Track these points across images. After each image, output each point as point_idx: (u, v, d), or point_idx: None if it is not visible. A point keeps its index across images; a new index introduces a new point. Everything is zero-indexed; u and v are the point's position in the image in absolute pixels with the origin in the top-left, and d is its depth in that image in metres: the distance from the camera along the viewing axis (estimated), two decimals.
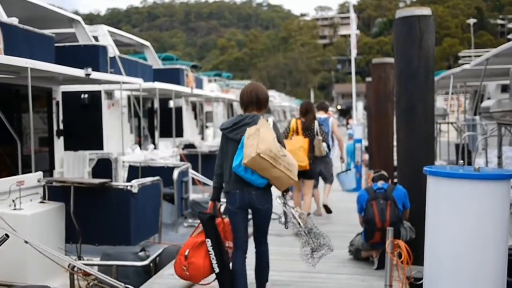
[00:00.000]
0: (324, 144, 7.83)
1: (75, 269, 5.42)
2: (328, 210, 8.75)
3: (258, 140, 4.09)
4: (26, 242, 4.95)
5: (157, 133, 12.49)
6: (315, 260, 4.78)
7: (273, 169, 4.12)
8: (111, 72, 10.25)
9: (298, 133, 7.75)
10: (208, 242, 4.44)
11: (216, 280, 4.49)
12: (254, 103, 4.39)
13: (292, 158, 4.33)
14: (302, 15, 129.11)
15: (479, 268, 2.81)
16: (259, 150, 4.02)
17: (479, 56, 11.79)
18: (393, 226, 5.26)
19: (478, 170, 2.87)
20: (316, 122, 7.84)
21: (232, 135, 4.33)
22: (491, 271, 2.82)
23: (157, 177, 7.40)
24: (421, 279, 3.20)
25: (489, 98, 12.99)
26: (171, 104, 13.40)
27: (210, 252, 4.42)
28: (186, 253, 4.54)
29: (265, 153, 4.04)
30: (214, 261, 4.41)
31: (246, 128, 4.23)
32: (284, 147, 4.36)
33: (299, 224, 4.67)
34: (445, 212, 2.90)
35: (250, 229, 4.62)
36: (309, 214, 7.04)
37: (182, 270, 4.60)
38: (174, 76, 14.25)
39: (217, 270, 4.41)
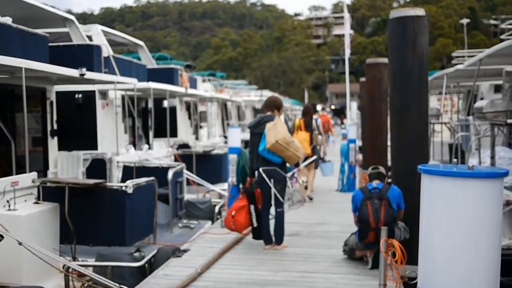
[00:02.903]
0: (320, 137, 10.40)
1: (70, 270, 5.42)
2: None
3: (276, 131, 6.15)
4: (20, 243, 4.94)
5: (151, 133, 12.46)
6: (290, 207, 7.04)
7: (286, 151, 6.21)
8: (105, 72, 10.21)
9: (301, 129, 10.16)
10: (252, 207, 6.52)
11: (251, 230, 6.67)
12: (272, 107, 6.63)
13: (298, 143, 6.57)
14: (296, 14, 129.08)
15: (472, 267, 2.84)
16: (277, 138, 6.12)
17: (472, 56, 11.84)
18: (387, 226, 5.29)
19: (471, 168, 2.89)
20: (314, 121, 10.37)
21: (256, 130, 6.46)
22: (484, 271, 2.84)
23: (152, 178, 7.39)
24: (415, 278, 3.22)
25: (482, 99, 13.04)
26: (165, 104, 13.36)
27: (252, 214, 6.50)
28: (233, 214, 6.54)
29: (281, 140, 6.15)
30: (254, 219, 6.53)
31: (266, 124, 6.30)
32: (292, 136, 6.53)
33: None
34: (439, 210, 2.92)
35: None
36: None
37: (230, 225, 6.64)
38: (168, 76, 14.21)
39: (255, 225, 6.55)
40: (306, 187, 10.15)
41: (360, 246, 5.80)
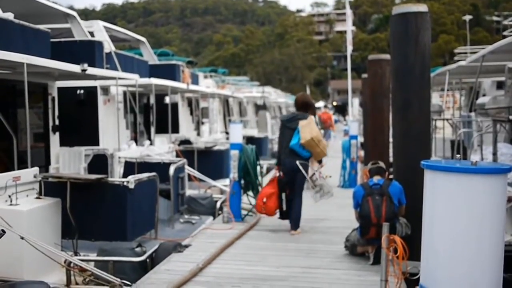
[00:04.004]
0: (322, 131, 11.47)
1: (72, 264, 5.42)
2: None
3: (311, 129, 6.99)
4: (22, 238, 4.94)
5: (153, 129, 12.45)
6: (317, 199, 7.42)
7: (316, 147, 7.04)
8: (107, 68, 10.20)
9: None
10: (283, 195, 7.24)
11: (280, 212, 7.40)
12: (303, 106, 7.41)
13: (325, 142, 7.37)
14: (298, 11, 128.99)
15: (475, 263, 2.83)
16: (312, 135, 6.95)
17: (474, 52, 11.82)
18: (388, 222, 5.29)
19: (475, 164, 2.88)
20: (317, 116, 10.77)
21: (289, 125, 7.20)
22: (487, 267, 2.84)
23: (153, 173, 7.39)
24: (417, 274, 3.22)
25: (484, 95, 13.03)
26: (167, 100, 13.35)
27: (283, 200, 7.23)
28: (264, 200, 7.34)
29: (315, 138, 6.97)
30: (284, 204, 7.25)
31: (299, 121, 7.07)
32: None
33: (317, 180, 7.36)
34: (442, 206, 2.91)
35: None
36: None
37: (262, 209, 7.43)
38: (170, 72, 14.20)
39: (285, 208, 7.27)
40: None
41: (361, 242, 5.80)
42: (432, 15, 6.28)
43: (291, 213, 7.23)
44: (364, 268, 5.60)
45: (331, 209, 8.89)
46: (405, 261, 4.10)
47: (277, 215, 7.51)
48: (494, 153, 7.19)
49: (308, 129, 6.98)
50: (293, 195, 7.19)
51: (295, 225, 7.24)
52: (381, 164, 6.07)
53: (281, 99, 36.35)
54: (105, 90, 10.94)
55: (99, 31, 12.08)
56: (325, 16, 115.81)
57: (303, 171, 7.03)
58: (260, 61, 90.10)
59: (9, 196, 5.73)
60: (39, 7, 9.41)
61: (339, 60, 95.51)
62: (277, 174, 7.40)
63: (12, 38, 7.22)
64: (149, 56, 14.94)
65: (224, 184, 10.72)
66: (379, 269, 4.46)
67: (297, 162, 7.01)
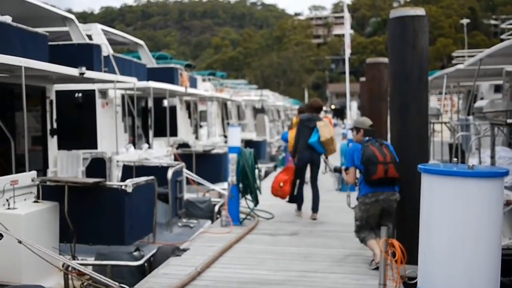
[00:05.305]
0: None
1: (69, 268, 5.41)
2: None
3: (329, 130, 8.31)
4: (20, 242, 4.93)
5: (151, 133, 12.44)
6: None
7: (331, 145, 8.33)
8: (105, 71, 10.19)
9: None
10: (297, 181, 8.50)
11: (289, 197, 8.69)
12: (314, 109, 8.64)
13: (335, 141, 8.55)
14: (296, 14, 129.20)
15: (472, 267, 2.83)
16: (330, 135, 8.25)
17: (472, 56, 11.84)
18: (394, 161, 5.47)
19: (472, 168, 2.89)
20: None
21: (308, 124, 8.39)
22: (484, 270, 2.84)
23: (152, 177, 7.38)
24: (415, 278, 3.22)
25: (482, 98, 13.05)
26: (165, 103, 13.33)
27: (296, 185, 8.50)
28: (281, 184, 8.52)
29: (332, 137, 8.27)
30: (296, 189, 8.54)
31: (316, 122, 8.33)
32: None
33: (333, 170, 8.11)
34: (439, 210, 2.91)
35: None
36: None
37: (277, 192, 8.61)
38: (168, 75, 14.19)
39: (295, 193, 8.58)
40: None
41: (368, 227, 5.73)
42: (429, 18, 6.29)
43: (313, 199, 8.46)
44: (362, 272, 5.59)
45: (329, 212, 8.89)
46: (404, 265, 4.10)
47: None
48: (492, 157, 7.20)
49: (327, 129, 8.28)
50: (312, 183, 8.50)
51: (316, 209, 8.46)
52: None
53: (279, 103, 36.33)
54: (103, 93, 10.94)
55: (97, 34, 12.07)
56: (323, 19, 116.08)
57: (325, 163, 8.76)
58: (259, 64, 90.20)
59: (7, 200, 5.72)
60: (37, 10, 9.40)
61: (337, 63, 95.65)
62: (294, 163, 8.54)
63: (10, 41, 7.21)
64: (147, 59, 14.94)
65: (222, 187, 10.71)
66: (377, 273, 4.46)
67: (321, 158, 8.53)
